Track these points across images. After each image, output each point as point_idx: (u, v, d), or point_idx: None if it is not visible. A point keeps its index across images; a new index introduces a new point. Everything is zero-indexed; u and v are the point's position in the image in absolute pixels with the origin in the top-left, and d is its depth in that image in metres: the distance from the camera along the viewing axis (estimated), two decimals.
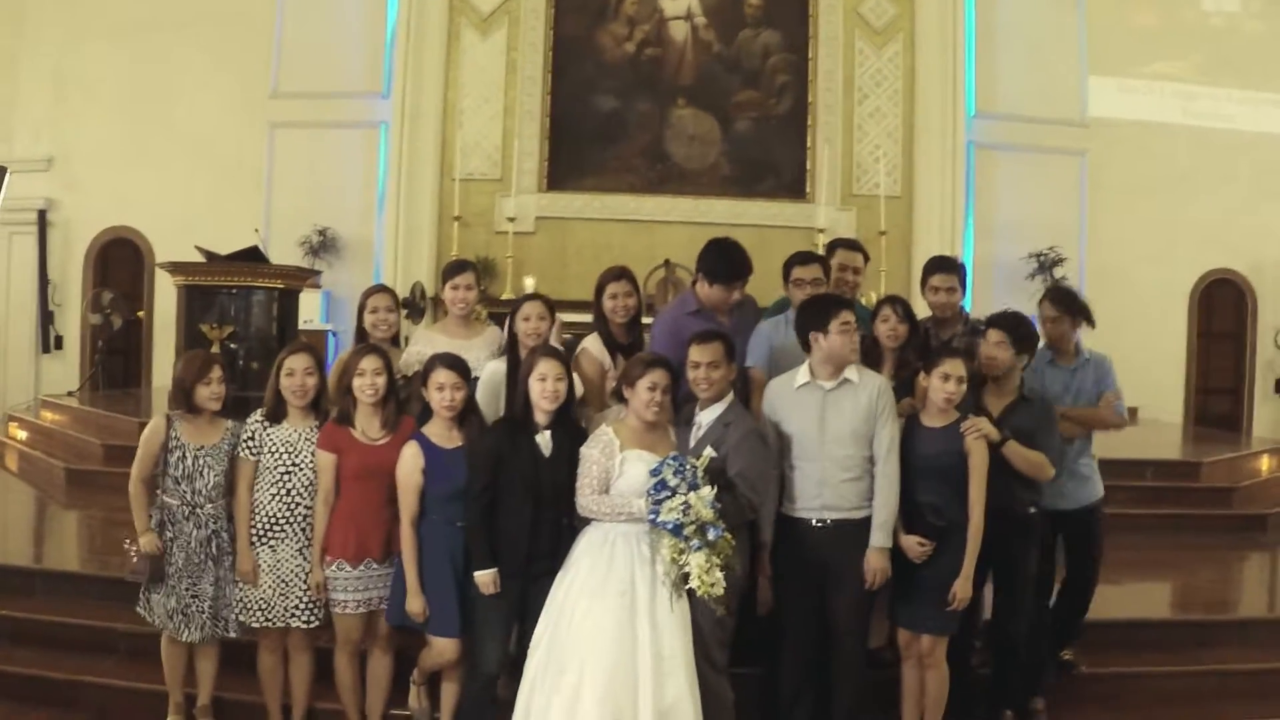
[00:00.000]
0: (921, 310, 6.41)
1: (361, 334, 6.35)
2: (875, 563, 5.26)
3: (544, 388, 5.16)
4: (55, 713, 5.91)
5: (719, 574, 4.74)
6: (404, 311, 13.44)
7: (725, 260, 5.98)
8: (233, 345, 10.16)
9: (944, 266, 6.50)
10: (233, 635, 5.58)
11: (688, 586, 4.81)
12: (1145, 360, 14.71)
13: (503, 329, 6.15)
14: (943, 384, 5.34)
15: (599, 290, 5.99)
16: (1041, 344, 6.09)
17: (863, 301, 12.14)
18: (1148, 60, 16.16)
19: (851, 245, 6.71)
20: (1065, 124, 15.84)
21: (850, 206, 15.55)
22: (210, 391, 5.46)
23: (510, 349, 5.92)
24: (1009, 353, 5.65)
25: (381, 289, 6.61)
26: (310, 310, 13.61)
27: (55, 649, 6.37)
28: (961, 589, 5.29)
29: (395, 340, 6.46)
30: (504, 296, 13.76)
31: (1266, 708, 6.34)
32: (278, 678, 5.61)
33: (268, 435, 5.50)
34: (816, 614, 5.41)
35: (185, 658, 5.64)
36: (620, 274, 6.01)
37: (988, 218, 15.71)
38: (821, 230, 14.56)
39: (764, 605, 5.49)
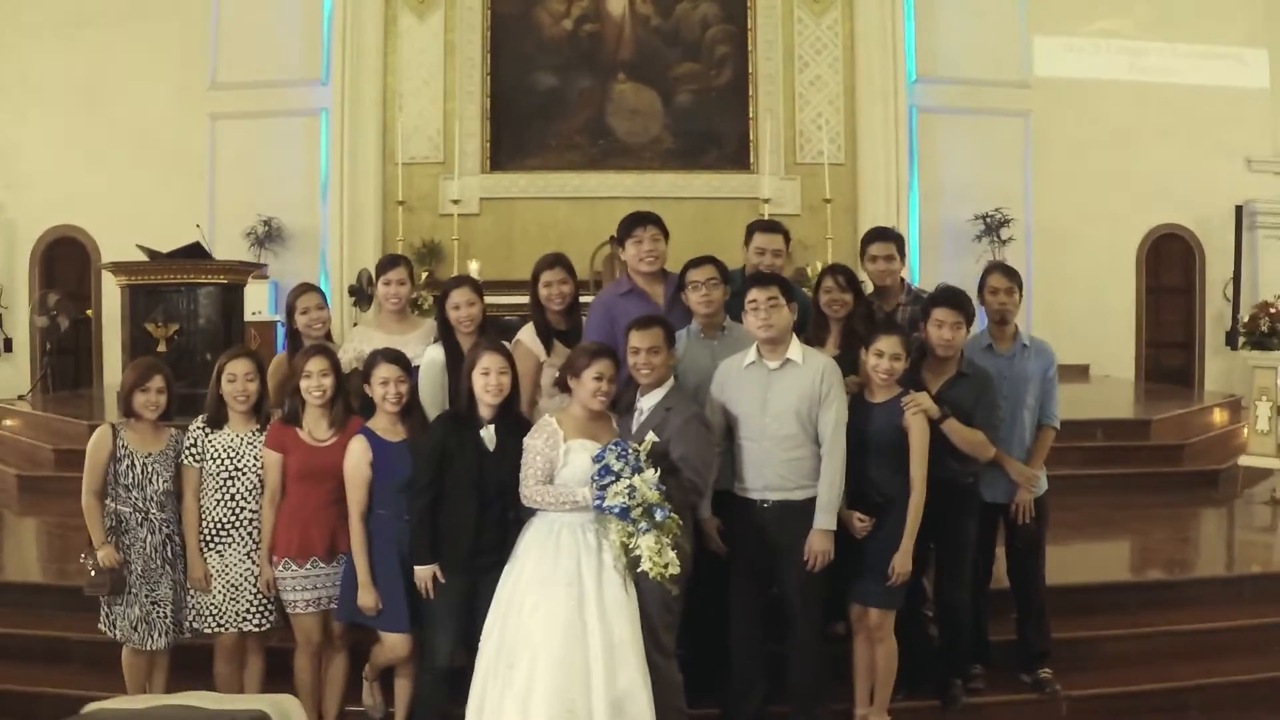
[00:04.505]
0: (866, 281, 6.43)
1: (294, 335, 6.31)
2: (816, 545, 5.25)
3: (487, 382, 5.16)
4: None
5: (671, 554, 4.74)
6: (352, 299, 13.46)
7: (622, 221, 6.09)
8: (178, 340, 10.10)
9: (881, 235, 6.50)
10: (188, 637, 5.59)
11: (640, 570, 4.79)
12: (1095, 317, 14.90)
13: None
14: (878, 360, 5.35)
15: (534, 278, 6.01)
16: (980, 328, 6.03)
17: (809, 272, 12.30)
18: (1089, 18, 16.20)
19: (769, 227, 6.51)
20: (1008, 85, 15.87)
21: (794, 175, 15.55)
22: (147, 399, 5.42)
23: (445, 335, 5.95)
24: (963, 331, 5.62)
25: (309, 288, 6.54)
26: (258, 301, 13.53)
27: (9, 660, 6.30)
28: (900, 564, 5.32)
29: (328, 336, 6.41)
30: None
31: (1219, 665, 6.40)
32: (234, 683, 5.58)
33: (210, 441, 5.49)
34: (765, 596, 5.44)
35: (147, 667, 5.60)
36: (554, 261, 6.02)
37: (933, 182, 15.77)
38: (766, 200, 14.59)
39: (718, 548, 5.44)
